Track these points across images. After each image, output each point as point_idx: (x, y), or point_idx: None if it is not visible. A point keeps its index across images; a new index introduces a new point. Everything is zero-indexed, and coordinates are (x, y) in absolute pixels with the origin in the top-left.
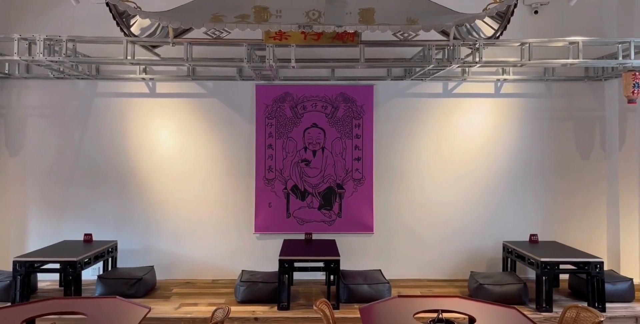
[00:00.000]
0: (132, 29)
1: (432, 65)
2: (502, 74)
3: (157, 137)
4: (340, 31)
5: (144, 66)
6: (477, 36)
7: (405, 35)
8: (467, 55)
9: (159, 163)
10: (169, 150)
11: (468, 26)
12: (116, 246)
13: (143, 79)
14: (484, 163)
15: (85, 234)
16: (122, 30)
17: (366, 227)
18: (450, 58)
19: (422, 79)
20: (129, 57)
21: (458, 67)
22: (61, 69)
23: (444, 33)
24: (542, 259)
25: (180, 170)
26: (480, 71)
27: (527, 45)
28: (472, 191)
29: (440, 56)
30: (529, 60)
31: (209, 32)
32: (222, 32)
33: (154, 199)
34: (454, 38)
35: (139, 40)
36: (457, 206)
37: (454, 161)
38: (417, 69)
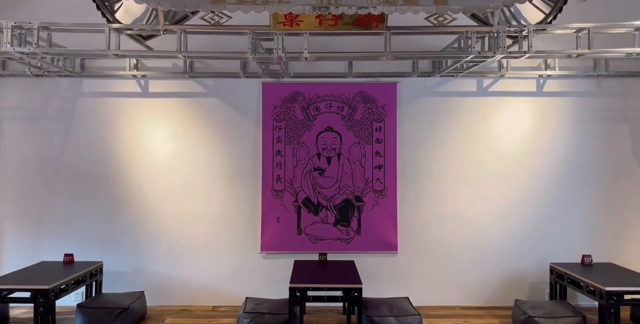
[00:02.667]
0: (118, 16)
1: (471, 56)
2: (545, 70)
3: (149, 142)
4: (364, 13)
5: (134, 62)
6: (519, 23)
7: (441, 19)
8: (509, 46)
9: (152, 172)
10: (164, 157)
11: (509, 11)
12: (101, 268)
13: (134, 76)
14: (524, 172)
15: (66, 255)
16: (104, 16)
17: (389, 245)
18: (493, 47)
19: (453, 75)
20: (112, 48)
21: (503, 57)
22: (39, 65)
23: (477, 19)
24: (608, 289)
25: (177, 180)
26: (520, 66)
27: (586, 31)
28: (511, 204)
29: (478, 47)
30: (589, 48)
31: (206, 18)
32: (222, 17)
33: (146, 213)
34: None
35: (124, 28)
36: (495, 220)
37: (490, 169)
38: (449, 63)
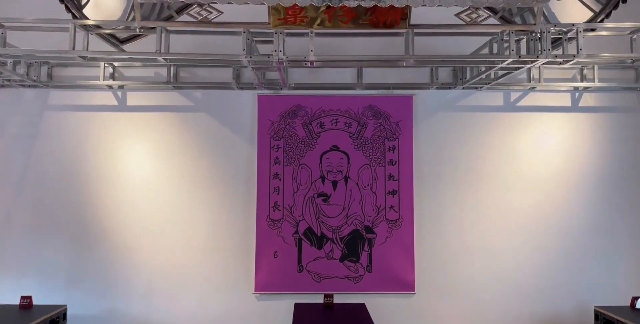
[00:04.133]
0: (87, 12)
1: (509, 61)
2: (582, 81)
3: (126, 164)
4: (385, 5)
5: (110, 70)
6: (557, 23)
7: (474, 16)
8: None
9: (129, 199)
10: (142, 181)
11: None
12: (65, 313)
13: (110, 87)
14: (559, 197)
15: (23, 297)
16: (68, 10)
17: (405, 285)
18: (534, 51)
19: (476, 88)
20: (78, 48)
21: (545, 63)
22: None
23: (504, 20)
24: None
25: (157, 207)
26: (552, 77)
27: None
28: (545, 234)
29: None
30: None
31: (192, 13)
32: (211, 12)
33: (120, 246)
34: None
35: (92, 24)
36: (526, 254)
37: (520, 195)
38: (475, 72)
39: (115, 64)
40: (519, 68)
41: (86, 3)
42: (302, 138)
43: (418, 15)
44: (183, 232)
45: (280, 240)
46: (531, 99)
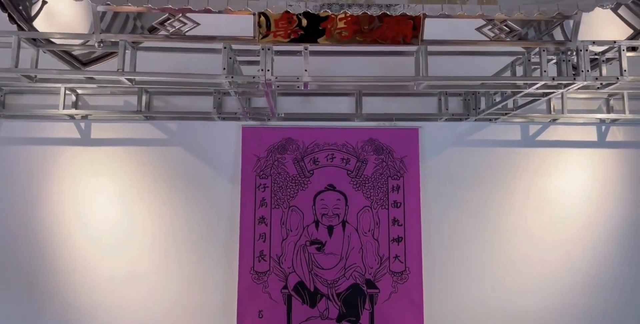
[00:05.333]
0: (38, 25)
1: (541, 84)
2: (608, 112)
3: (88, 207)
4: (395, 13)
5: (73, 98)
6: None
7: (496, 30)
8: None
9: (90, 247)
10: (106, 227)
11: (562, 29)
12: None
13: (71, 117)
14: (589, 247)
15: None
16: (12, 20)
17: None
18: (567, 72)
19: (490, 119)
20: (22, 66)
21: (581, 88)
22: None
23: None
24: None
25: (123, 258)
26: (577, 108)
27: None
28: (573, 290)
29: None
30: None
31: (165, 24)
32: (185, 23)
33: (79, 305)
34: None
35: (41, 37)
36: (554, 315)
37: (546, 245)
38: (489, 101)
39: (79, 91)
40: (547, 94)
41: (37, 14)
42: (293, 176)
43: (430, 31)
44: (153, 287)
45: (267, 297)
46: (552, 133)
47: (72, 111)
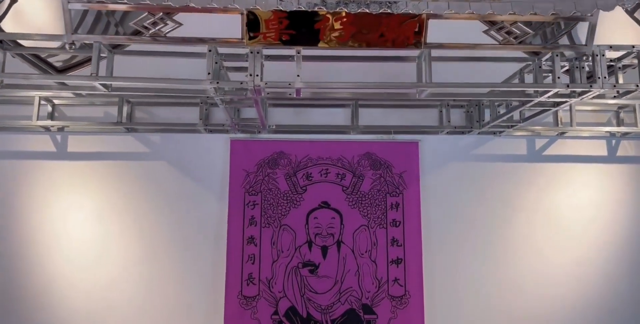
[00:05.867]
0: (6, 26)
1: (554, 91)
2: (618, 125)
3: (63, 225)
4: (397, 11)
5: (49, 109)
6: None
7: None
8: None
9: (65, 270)
10: (82, 248)
11: (570, 36)
12: None
13: (46, 129)
14: (598, 267)
15: None
16: None
17: None
18: (580, 79)
19: (494, 133)
20: None
21: (595, 96)
22: None
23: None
24: None
25: (99, 282)
26: (585, 121)
27: None
28: (584, 314)
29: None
30: None
31: (145, 23)
32: (166, 24)
33: None
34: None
35: (5, 39)
36: None
37: (551, 264)
38: (493, 113)
39: (55, 101)
40: (558, 104)
41: (4, 14)
42: (285, 193)
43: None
44: (132, 314)
45: (256, 323)
46: (560, 147)
47: (48, 122)
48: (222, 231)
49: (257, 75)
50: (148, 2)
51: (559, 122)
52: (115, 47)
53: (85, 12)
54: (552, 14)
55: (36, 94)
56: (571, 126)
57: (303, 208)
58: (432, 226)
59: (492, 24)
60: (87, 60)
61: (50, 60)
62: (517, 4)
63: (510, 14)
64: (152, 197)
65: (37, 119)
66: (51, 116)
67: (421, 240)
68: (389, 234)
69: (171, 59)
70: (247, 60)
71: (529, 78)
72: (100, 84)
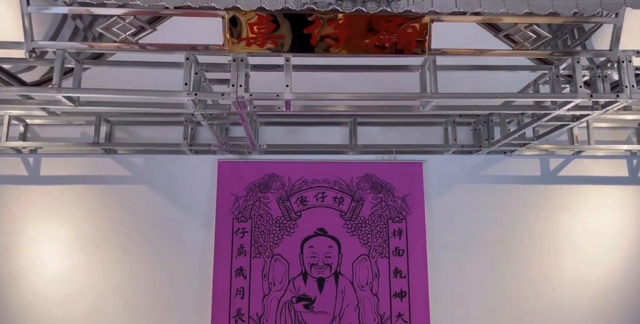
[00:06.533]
0: None
1: (575, 102)
2: (639, 143)
3: (36, 255)
4: (398, 10)
5: (21, 129)
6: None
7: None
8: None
9: (37, 302)
10: (57, 279)
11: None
12: None
13: (18, 150)
14: (620, 300)
15: None
16: None
17: None
18: (603, 88)
19: (504, 152)
20: None
21: (621, 108)
22: None
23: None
24: None
25: (74, 316)
26: (603, 139)
27: None
28: None
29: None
30: None
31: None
32: (139, 30)
33: None
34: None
35: None
36: None
37: (568, 296)
38: (504, 130)
39: (28, 121)
40: (578, 118)
41: None
42: (277, 219)
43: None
44: None
45: None
46: (576, 167)
47: (19, 143)
48: (208, 261)
49: (241, 85)
50: (114, 1)
51: (575, 140)
52: (97, 58)
53: (64, 19)
54: (575, 12)
55: (5, 112)
56: (589, 144)
57: (297, 236)
58: (439, 254)
59: (496, 30)
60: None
61: (20, 76)
62: (535, 2)
63: (527, 12)
64: (132, 225)
65: (7, 140)
66: (23, 137)
67: (427, 271)
68: (392, 264)
69: (156, 75)
70: (228, 68)
71: (543, 90)
72: (65, 97)
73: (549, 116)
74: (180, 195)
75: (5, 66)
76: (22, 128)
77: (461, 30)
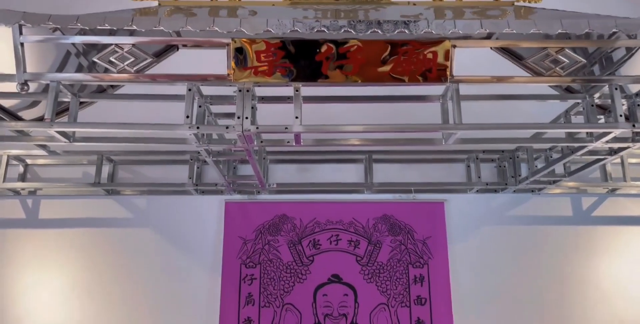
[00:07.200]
0: None
1: (616, 132)
2: None
3: (33, 302)
4: (417, 32)
5: (20, 170)
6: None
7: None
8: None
9: None
10: None
11: (602, 61)
12: None
13: (16, 192)
14: None
15: None
16: None
17: None
18: (636, 118)
19: (532, 191)
20: None
21: None
22: None
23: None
24: None
25: None
26: (637, 176)
27: None
28: None
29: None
30: None
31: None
32: (137, 59)
33: None
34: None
35: None
36: None
37: None
38: (531, 166)
39: (28, 160)
40: (616, 151)
41: None
42: (288, 264)
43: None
44: None
45: None
46: (612, 207)
47: (17, 184)
48: (214, 311)
49: (247, 117)
50: (107, 25)
51: (608, 177)
52: (102, 91)
53: (67, 55)
54: (614, 32)
55: (4, 152)
56: (624, 180)
57: (310, 283)
58: (465, 303)
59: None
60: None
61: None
62: (569, 22)
63: (561, 32)
64: (133, 271)
65: (5, 181)
66: (23, 177)
67: (452, 322)
68: (413, 314)
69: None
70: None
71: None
72: (59, 132)
73: (584, 150)
74: (184, 239)
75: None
76: (21, 168)
77: (477, 53)
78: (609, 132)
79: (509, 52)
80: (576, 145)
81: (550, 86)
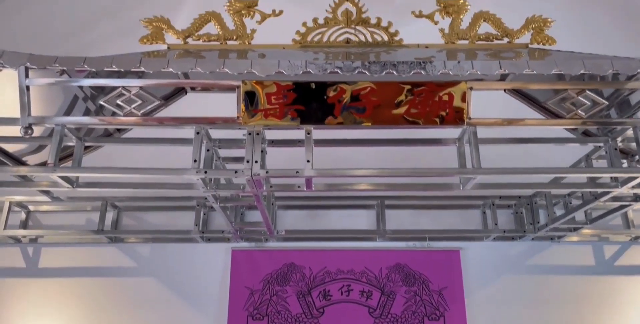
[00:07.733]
0: None
1: None
2: None
3: None
4: (434, 73)
5: (22, 216)
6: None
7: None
8: None
9: None
10: None
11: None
12: None
13: (17, 240)
14: None
15: None
16: None
17: None
18: None
19: (551, 238)
20: None
21: None
22: None
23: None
24: None
25: None
26: None
27: None
28: None
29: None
30: None
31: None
32: (144, 102)
33: None
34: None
35: None
36: None
37: None
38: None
39: (31, 207)
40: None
41: None
42: (297, 316)
43: None
44: None
45: None
46: (635, 255)
47: (18, 232)
48: None
49: (257, 161)
50: (114, 67)
51: (630, 224)
52: (109, 135)
53: (75, 100)
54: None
55: (6, 198)
56: None
57: None
58: None
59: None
60: (66, 157)
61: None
62: (592, 62)
63: (584, 72)
64: (137, 322)
65: (6, 228)
66: (24, 225)
67: None
68: None
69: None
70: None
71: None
72: (62, 177)
73: (609, 195)
74: (189, 288)
75: (8, 146)
76: (23, 215)
77: (490, 96)
78: (635, 177)
79: (522, 95)
80: (599, 190)
81: (566, 129)
